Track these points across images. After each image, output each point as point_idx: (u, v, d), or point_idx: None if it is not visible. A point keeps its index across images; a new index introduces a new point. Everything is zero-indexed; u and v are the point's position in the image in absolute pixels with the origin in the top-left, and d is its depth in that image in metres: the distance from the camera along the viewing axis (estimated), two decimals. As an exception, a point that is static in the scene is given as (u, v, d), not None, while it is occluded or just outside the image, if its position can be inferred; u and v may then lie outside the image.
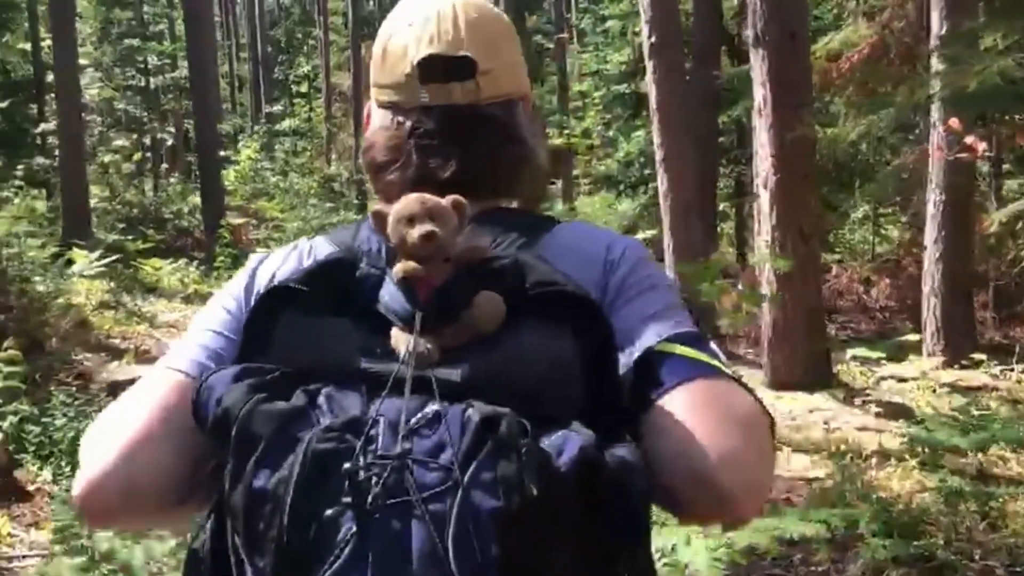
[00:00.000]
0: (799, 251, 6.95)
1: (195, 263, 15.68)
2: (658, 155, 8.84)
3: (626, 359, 1.04)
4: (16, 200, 17.32)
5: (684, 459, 0.96)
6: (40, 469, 5.36)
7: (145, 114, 27.45)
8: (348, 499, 0.85)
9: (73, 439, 5.36)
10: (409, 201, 1.03)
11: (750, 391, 1.04)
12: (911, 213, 12.75)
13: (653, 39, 8.62)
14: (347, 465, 0.85)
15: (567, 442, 0.89)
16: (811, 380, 7.27)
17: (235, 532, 0.92)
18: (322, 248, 1.17)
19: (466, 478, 0.85)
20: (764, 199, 7.19)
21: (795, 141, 6.93)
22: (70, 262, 12.72)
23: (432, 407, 0.90)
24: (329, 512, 0.85)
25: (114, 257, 13.26)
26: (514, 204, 1.25)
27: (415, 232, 1.00)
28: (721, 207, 16.06)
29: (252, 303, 1.11)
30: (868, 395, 7.13)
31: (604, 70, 22.32)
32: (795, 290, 6.99)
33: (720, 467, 0.95)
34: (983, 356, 7.83)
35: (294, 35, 43.22)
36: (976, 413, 5.38)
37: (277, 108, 35.74)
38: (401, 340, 0.98)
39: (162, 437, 1.02)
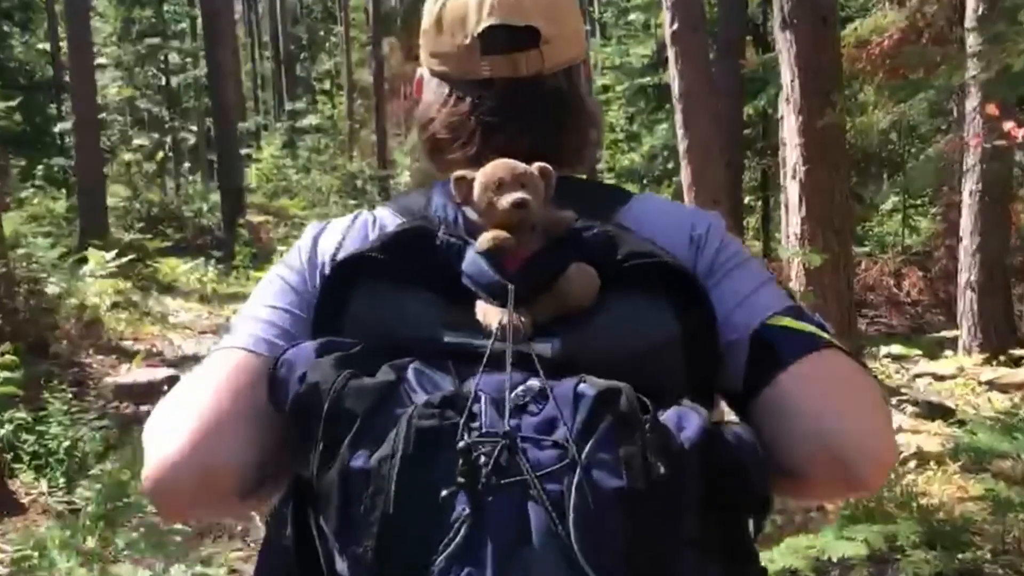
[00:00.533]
0: (830, 245, 6.64)
1: (213, 262, 15.52)
2: (681, 146, 8.53)
3: (735, 336, 1.01)
4: (35, 200, 17.33)
5: (818, 439, 0.94)
6: (36, 480, 5.15)
7: (166, 113, 27.38)
8: (460, 479, 0.79)
9: (68, 449, 5.14)
10: (498, 167, 0.99)
11: (855, 357, 1.01)
12: (943, 204, 12.47)
13: (675, 26, 8.30)
14: (461, 443, 0.80)
15: (685, 419, 0.86)
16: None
17: (324, 518, 0.86)
18: (388, 218, 1.11)
19: (583, 456, 0.80)
20: (792, 190, 6.88)
21: (824, 129, 6.61)
22: (84, 261, 12.60)
23: (535, 382, 0.86)
24: (444, 493, 0.79)
25: (130, 257, 13.11)
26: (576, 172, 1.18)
27: (506, 199, 0.96)
28: (746, 200, 15.77)
29: (318, 275, 1.07)
30: (904, 394, 6.80)
31: (627, 63, 22.08)
32: (826, 285, 6.68)
33: (854, 442, 0.93)
34: (1024, 352, 7.49)
35: (316, 32, 43.14)
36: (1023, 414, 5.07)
37: (299, 105, 35.65)
38: (489, 313, 0.93)
39: (233, 420, 0.96)
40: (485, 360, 0.87)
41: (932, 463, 5.03)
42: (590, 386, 0.85)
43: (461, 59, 1.12)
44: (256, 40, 47.03)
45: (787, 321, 1.01)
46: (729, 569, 0.89)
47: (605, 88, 25.94)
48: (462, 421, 0.82)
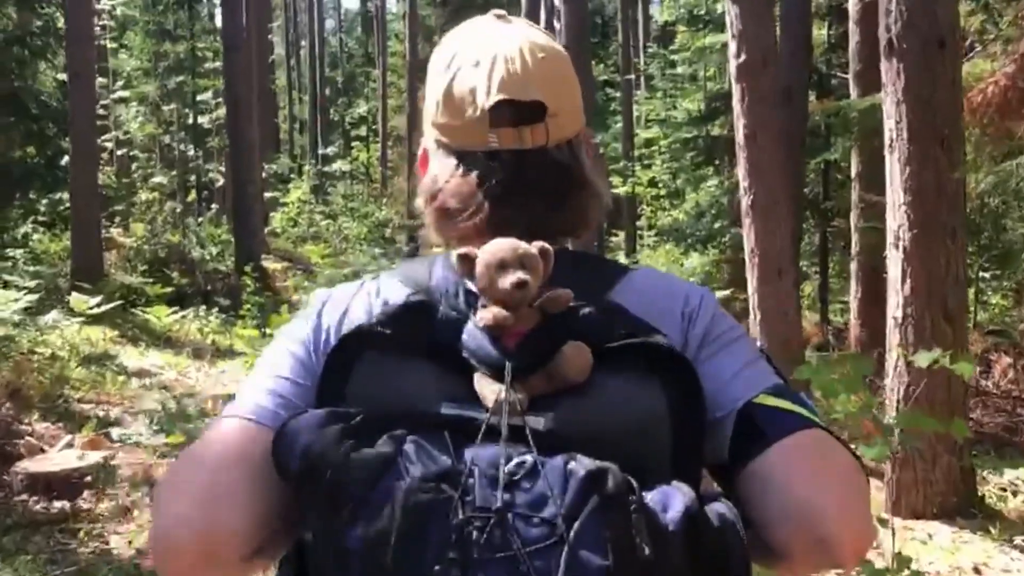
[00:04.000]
0: (942, 334, 5.15)
1: (215, 310, 14.21)
2: (745, 201, 7.10)
3: (723, 412, 1.05)
4: (35, 237, 16.17)
5: (797, 514, 0.97)
6: None
7: (192, 151, 26.40)
8: (452, 555, 0.84)
9: None
10: (501, 246, 1.03)
11: (845, 443, 1.06)
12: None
13: (742, 58, 6.93)
14: (456, 519, 0.85)
15: (670, 499, 0.89)
16: (950, 507, 5.41)
17: None
18: (391, 287, 1.15)
19: (572, 534, 0.84)
20: (894, 262, 5.36)
21: (939, 185, 5.16)
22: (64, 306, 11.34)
23: (527, 457, 0.89)
24: (437, 568, 0.84)
25: (114, 303, 11.84)
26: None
27: (508, 280, 1.00)
28: (802, 266, 14.32)
29: (322, 345, 1.11)
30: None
31: (672, 117, 20.91)
32: (934, 386, 5.17)
33: (834, 522, 0.97)
34: None
35: (355, 77, 42.43)
36: None
37: (332, 150, 34.71)
38: (486, 387, 0.98)
39: (234, 489, 0.98)
40: (481, 433, 0.91)
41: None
42: (580, 465, 0.88)
43: (470, 131, 1.16)
44: (297, 84, 46.60)
45: (773, 400, 1.05)
46: None
47: (648, 142, 24.75)
48: (457, 496, 0.86)
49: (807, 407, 1.06)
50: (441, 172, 1.18)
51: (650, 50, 27.73)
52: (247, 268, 15.85)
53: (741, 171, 7.11)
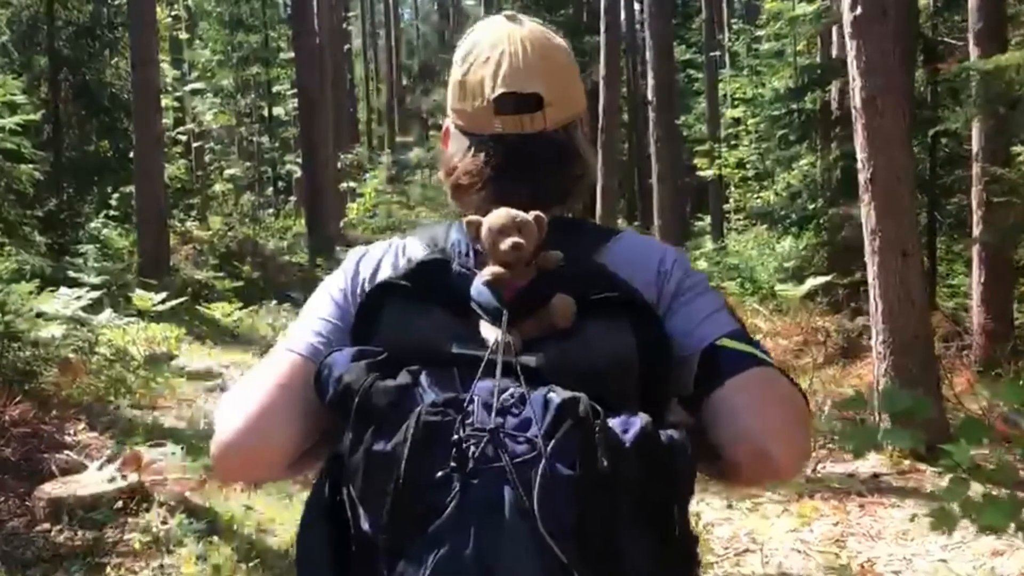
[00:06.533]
0: None
1: (286, 304, 13.66)
2: (862, 175, 6.19)
3: (689, 351, 1.24)
4: (104, 232, 15.81)
5: (748, 438, 1.18)
6: None
7: (267, 142, 26.07)
8: (453, 463, 1.02)
9: None
10: (500, 216, 1.22)
11: (791, 379, 1.26)
12: None
13: (859, 10, 6.02)
14: (455, 436, 1.03)
15: (630, 423, 1.07)
16: None
17: (352, 487, 1.08)
18: (414, 247, 1.35)
19: (548, 450, 1.02)
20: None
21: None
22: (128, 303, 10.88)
23: (517, 389, 1.08)
24: (439, 474, 1.02)
25: (180, 300, 11.32)
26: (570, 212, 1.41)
27: (506, 243, 1.19)
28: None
29: (358, 293, 1.31)
30: None
31: (759, 96, 19.85)
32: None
33: (774, 440, 1.18)
34: None
35: (431, 65, 41.88)
36: None
37: (409, 139, 34.22)
38: (489, 331, 1.16)
39: (280, 408, 1.22)
40: (481, 369, 1.10)
41: None
42: (557, 395, 1.06)
43: (479, 118, 1.36)
44: (375, 74, 46.35)
45: (731, 343, 1.24)
46: (660, 543, 1.07)
47: (736, 121, 23.67)
48: (459, 419, 1.04)
49: (760, 349, 1.26)
50: (456, 151, 1.40)
51: (735, 26, 26.59)
52: (320, 260, 15.28)
53: (858, 141, 6.20)
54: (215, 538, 4.61)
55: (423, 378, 1.11)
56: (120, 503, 4.80)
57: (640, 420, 1.07)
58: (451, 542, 1.00)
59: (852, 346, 10.04)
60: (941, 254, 13.85)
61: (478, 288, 1.19)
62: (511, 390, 1.08)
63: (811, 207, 14.52)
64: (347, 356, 1.16)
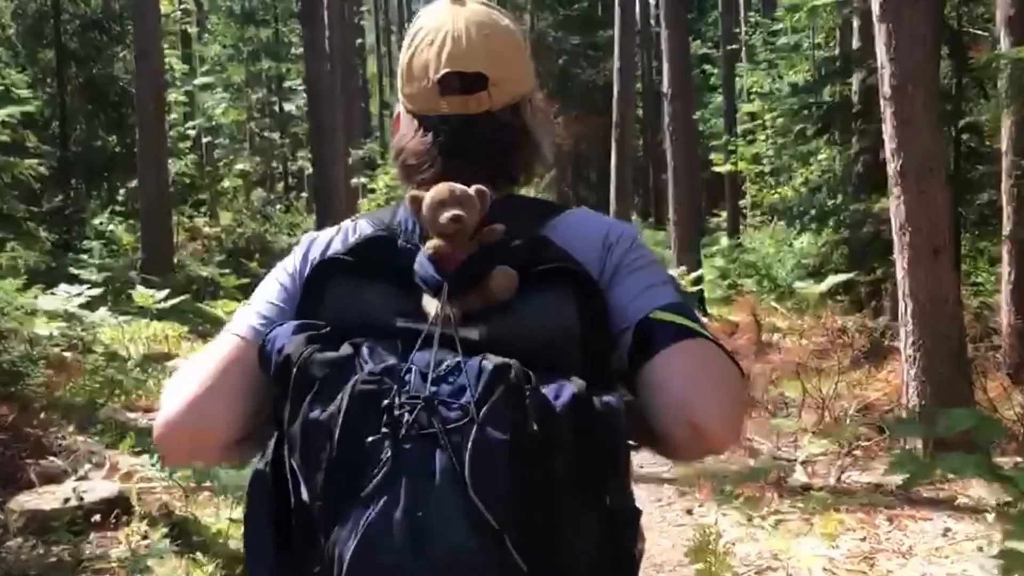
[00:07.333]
0: None
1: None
2: (891, 166, 5.84)
3: (626, 324, 1.23)
4: (110, 228, 15.57)
5: (677, 409, 1.17)
6: None
7: (278, 138, 25.81)
8: (386, 430, 1.03)
9: None
10: (440, 189, 1.22)
11: (725, 351, 1.24)
12: None
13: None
14: (385, 402, 1.04)
15: (562, 388, 1.08)
16: None
17: (291, 456, 1.09)
18: (365, 228, 1.36)
19: (480, 416, 1.03)
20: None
21: None
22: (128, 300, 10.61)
23: (454, 359, 1.09)
24: (371, 439, 1.03)
25: (182, 297, 11.03)
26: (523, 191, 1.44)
27: (445, 215, 1.19)
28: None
29: (306, 274, 1.30)
30: None
31: (776, 90, 19.47)
32: None
33: (705, 412, 1.16)
34: None
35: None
36: None
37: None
38: (430, 304, 1.17)
39: (221, 389, 1.24)
40: (420, 340, 1.11)
41: None
42: (489, 362, 1.07)
43: (426, 99, 1.37)
44: (388, 70, 46.16)
45: (666, 315, 1.22)
46: (596, 505, 1.08)
47: (752, 116, 23.30)
48: (395, 387, 1.05)
49: (695, 320, 1.24)
50: (405, 133, 1.41)
51: (752, 19, 26.20)
52: (327, 256, 15.00)
53: (887, 131, 5.84)
54: (199, 554, 4.30)
55: (363, 350, 1.11)
56: (99, 516, 4.49)
57: (572, 386, 1.08)
58: (382, 505, 1.01)
59: (876, 347, 9.68)
60: (964, 251, 13.48)
61: (420, 261, 1.20)
62: (448, 360, 1.09)
63: (830, 203, 14.13)
64: (289, 329, 1.17)
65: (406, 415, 1.03)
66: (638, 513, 1.18)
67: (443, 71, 1.34)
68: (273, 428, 1.16)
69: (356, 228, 1.37)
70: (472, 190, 1.21)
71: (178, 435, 1.24)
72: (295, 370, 1.10)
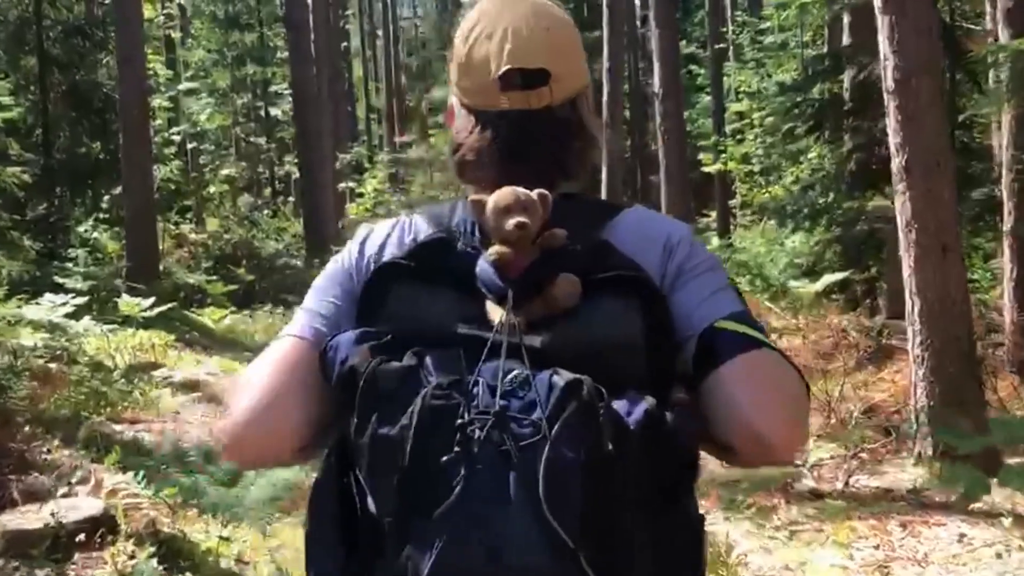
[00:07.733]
0: None
1: (281, 308, 13.17)
2: (896, 161, 5.69)
3: (691, 332, 1.21)
4: (94, 236, 15.33)
5: (744, 421, 1.15)
6: None
7: (263, 143, 25.57)
8: (457, 448, 1.01)
9: None
10: (505, 194, 1.20)
11: (791, 361, 1.23)
12: None
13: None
14: (460, 420, 1.02)
15: (635, 405, 1.06)
16: None
17: (359, 469, 1.09)
18: (421, 225, 1.33)
19: (553, 433, 1.01)
20: None
21: None
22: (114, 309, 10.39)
23: (522, 371, 1.07)
24: (444, 458, 1.01)
25: (168, 306, 10.83)
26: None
27: (510, 222, 1.17)
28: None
29: (363, 272, 1.30)
30: None
31: (765, 89, 19.38)
32: None
33: (768, 422, 1.15)
34: None
35: (431, 63, 41.44)
36: None
37: (410, 137, 33.78)
38: (494, 311, 1.15)
39: (286, 393, 1.22)
40: (486, 350, 1.09)
41: None
42: (561, 377, 1.05)
43: (485, 94, 1.34)
44: (374, 74, 45.99)
45: (731, 324, 1.21)
46: (667, 525, 1.09)
47: (740, 115, 23.20)
48: (464, 402, 1.04)
49: (760, 330, 1.22)
50: (462, 128, 1.37)
51: (739, 18, 26.11)
52: (318, 261, 14.81)
53: (890, 125, 5.70)
54: (188, 574, 4.12)
55: (428, 360, 1.10)
56: (83, 535, 4.29)
57: (645, 403, 1.07)
58: (458, 526, 1.00)
59: (879, 347, 9.54)
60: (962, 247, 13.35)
61: (483, 267, 1.18)
62: (515, 372, 1.07)
63: (823, 201, 14.00)
64: (351, 338, 1.16)
65: (476, 431, 1.02)
66: (703, 521, 1.19)
67: (505, 67, 1.31)
68: (333, 431, 1.16)
69: (412, 225, 1.34)
70: (535, 195, 1.20)
71: (245, 442, 1.23)
72: (362, 383, 1.08)
